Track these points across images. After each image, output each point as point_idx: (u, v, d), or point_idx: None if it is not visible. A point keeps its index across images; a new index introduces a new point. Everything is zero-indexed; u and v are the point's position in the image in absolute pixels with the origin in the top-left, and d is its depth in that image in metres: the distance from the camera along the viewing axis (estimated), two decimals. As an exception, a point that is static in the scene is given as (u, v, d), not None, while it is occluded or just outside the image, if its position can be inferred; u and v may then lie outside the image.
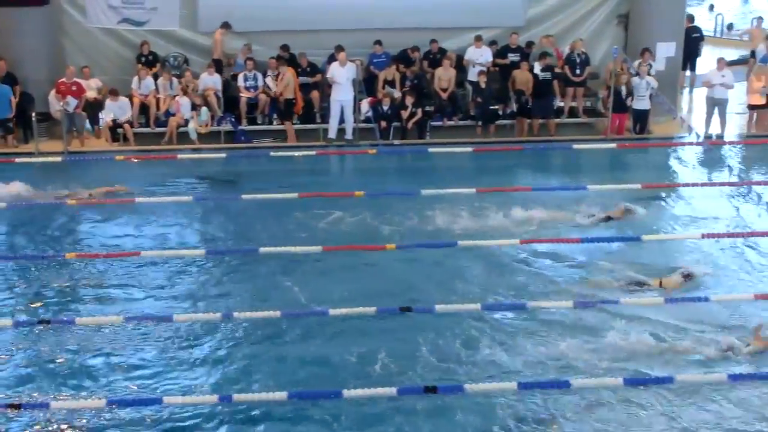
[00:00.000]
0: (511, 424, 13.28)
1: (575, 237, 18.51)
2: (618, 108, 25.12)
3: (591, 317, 15.93)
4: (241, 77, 25.29)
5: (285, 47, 25.77)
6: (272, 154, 22.86)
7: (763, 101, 25.65)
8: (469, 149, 23.24)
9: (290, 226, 19.27)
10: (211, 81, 25.26)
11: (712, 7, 44.12)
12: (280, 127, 25.30)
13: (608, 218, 19.92)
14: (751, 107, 25.96)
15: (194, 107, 24.80)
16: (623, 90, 24.94)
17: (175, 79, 25.34)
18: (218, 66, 25.65)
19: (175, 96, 24.97)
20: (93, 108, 25.37)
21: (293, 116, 25.09)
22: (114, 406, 13.00)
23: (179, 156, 21.67)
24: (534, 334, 15.53)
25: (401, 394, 13.20)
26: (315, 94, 25.50)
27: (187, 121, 24.70)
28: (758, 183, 20.18)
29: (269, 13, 25.70)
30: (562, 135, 25.36)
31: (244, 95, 25.23)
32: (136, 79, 25.22)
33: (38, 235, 19.52)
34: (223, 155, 22.56)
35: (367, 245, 18.02)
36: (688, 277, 17.18)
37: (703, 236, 18.75)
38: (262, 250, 17.52)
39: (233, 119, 25.11)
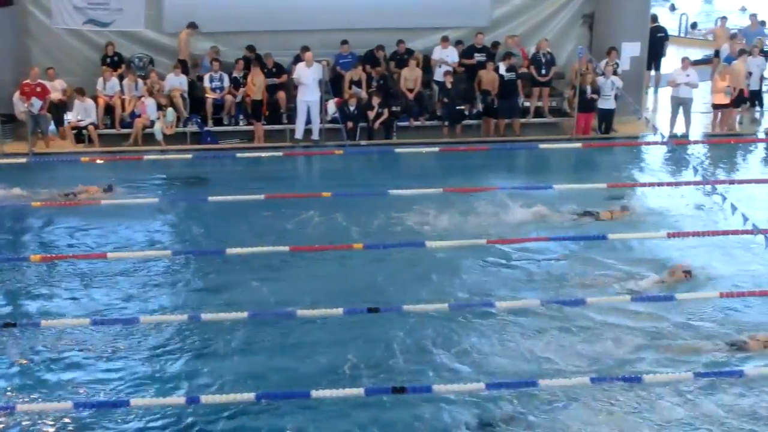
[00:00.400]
0: (479, 423, 13.32)
1: (544, 236, 18.62)
2: (583, 108, 25.22)
3: (560, 316, 16.00)
4: (207, 78, 25.22)
5: (251, 48, 25.71)
6: (239, 155, 22.78)
7: (727, 101, 25.80)
8: (435, 149, 23.28)
9: (257, 227, 19.23)
10: (177, 82, 25.18)
11: (673, 7, 44.35)
12: (247, 127, 25.24)
13: (597, 216, 20.13)
14: (716, 107, 26.11)
15: (160, 108, 24.71)
16: (588, 90, 25.03)
17: (140, 80, 25.24)
18: (184, 67, 25.57)
19: (140, 97, 24.88)
20: (58, 109, 25.23)
21: (262, 117, 25.02)
22: (80, 409, 12.94)
23: (145, 157, 21.59)
24: (502, 334, 15.58)
25: (369, 394, 13.20)
26: (281, 95, 25.45)
27: (153, 123, 24.60)
28: (723, 182, 20.28)
29: (235, 14, 25.63)
30: (528, 135, 25.43)
31: (210, 96, 25.16)
32: (101, 80, 25.11)
33: (3, 237, 19.41)
34: (189, 156, 22.49)
35: (335, 245, 18.02)
36: (688, 273, 17.28)
37: (669, 235, 18.88)
38: (229, 251, 17.45)
39: (199, 120, 25.04)
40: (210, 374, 14.40)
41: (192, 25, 25.67)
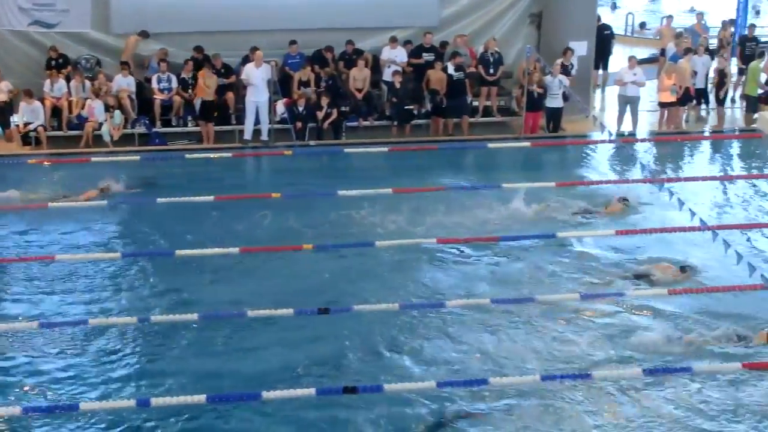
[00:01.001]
0: (430, 422, 13.35)
1: (494, 236, 18.71)
2: (531, 107, 25.34)
3: (511, 314, 16.08)
4: (154, 79, 25.08)
5: (199, 48, 25.61)
6: (187, 156, 22.70)
7: (673, 99, 26.02)
8: (384, 149, 23.30)
9: (207, 229, 19.15)
10: (125, 83, 25.01)
11: (614, 6, 44.59)
12: (195, 128, 25.13)
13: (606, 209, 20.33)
14: (662, 105, 26.31)
15: (108, 110, 24.54)
16: (534, 89, 25.13)
17: (87, 82, 25.05)
18: (127, 66, 25.37)
19: (87, 98, 24.68)
20: (3, 111, 24.99)
21: (213, 117, 24.91)
22: (30, 413, 12.83)
23: (93, 159, 21.44)
24: (453, 333, 15.63)
25: (320, 394, 13.18)
26: (230, 96, 25.37)
27: (101, 124, 24.43)
28: (671, 180, 20.46)
29: (183, 14, 25.51)
30: (477, 134, 25.50)
31: (158, 97, 25.03)
32: (48, 81, 24.89)
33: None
34: (137, 158, 22.37)
35: (285, 246, 17.99)
36: (685, 271, 17.51)
37: (616, 233, 19.01)
38: (179, 252, 17.37)
39: (147, 121, 24.90)
40: (160, 377, 14.34)
41: (143, 33, 25.52)
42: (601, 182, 22.13)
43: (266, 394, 12.86)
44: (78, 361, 14.66)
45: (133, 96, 25.11)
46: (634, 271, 17.71)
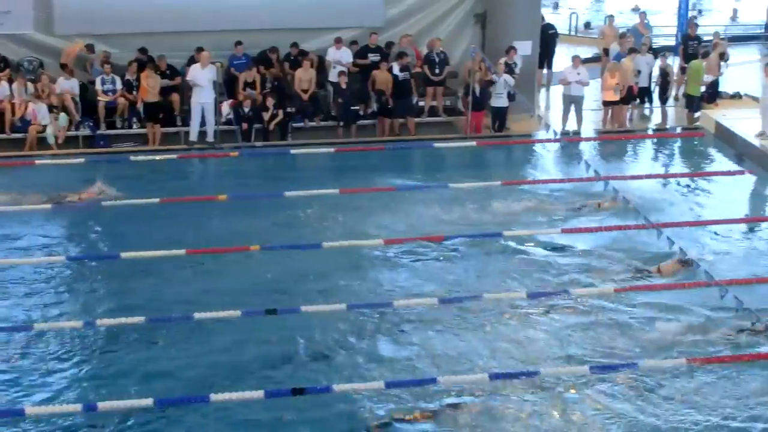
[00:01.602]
0: (379, 422, 13.38)
1: (439, 235, 18.80)
2: (475, 106, 25.40)
3: (459, 313, 16.15)
4: (98, 81, 24.88)
5: (143, 50, 25.46)
6: (132, 158, 22.56)
7: (617, 98, 26.19)
8: (331, 150, 23.31)
9: (153, 231, 19.03)
10: (68, 85, 24.78)
11: (556, 5, 44.84)
12: (141, 130, 24.97)
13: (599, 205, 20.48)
14: (606, 103, 26.47)
15: (51, 112, 24.32)
16: (476, 88, 25.19)
17: (30, 84, 24.81)
18: (65, 68, 25.15)
19: (30, 101, 24.42)
20: (-55, 114, 24.71)
21: (158, 119, 24.76)
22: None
23: (37, 162, 21.26)
24: (401, 333, 15.67)
25: (269, 397, 13.19)
26: (175, 97, 25.24)
27: (45, 127, 24.21)
28: (614, 178, 20.63)
29: (127, 16, 25.31)
30: (423, 134, 25.53)
31: (103, 99, 24.84)
32: (-11, 84, 24.64)
33: None
34: (82, 161, 22.22)
35: (231, 247, 17.95)
36: (684, 263, 17.53)
37: (562, 231, 19.18)
38: (124, 255, 17.32)
39: (91, 124, 24.70)
40: (107, 380, 14.26)
41: (89, 47, 25.32)
42: (546, 181, 22.27)
43: (214, 397, 12.89)
44: (23, 366, 14.55)
45: (77, 98, 24.90)
46: (635, 266, 17.83)
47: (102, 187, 20.84)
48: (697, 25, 30.63)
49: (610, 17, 32.03)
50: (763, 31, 37.90)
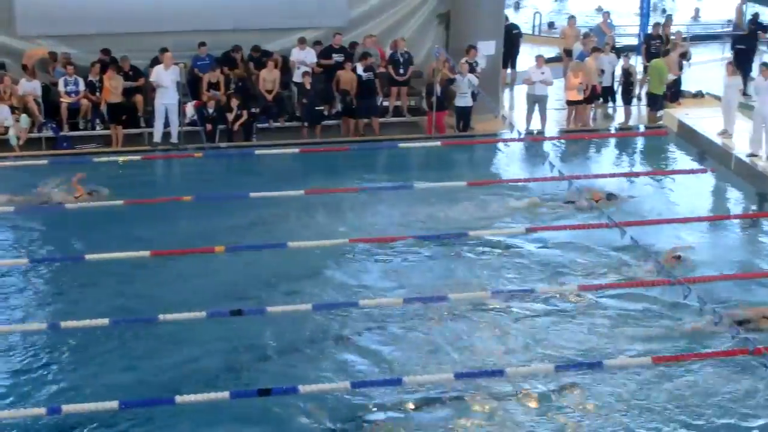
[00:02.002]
0: (345, 422, 13.40)
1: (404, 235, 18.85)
2: (437, 106, 25.40)
3: (424, 313, 16.19)
4: (61, 82, 24.73)
5: (106, 51, 25.34)
6: (96, 159, 22.47)
7: (580, 97, 26.29)
8: (295, 150, 23.29)
9: (117, 233, 18.95)
10: (30, 86, 24.62)
11: (517, 6, 44.94)
12: (104, 132, 24.85)
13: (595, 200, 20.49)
14: (570, 103, 26.58)
15: (13, 113, 24.17)
16: (437, 88, 25.20)
17: (-9, 85, 24.64)
18: (26, 69, 24.99)
19: (-9, 102, 24.28)
20: None
21: (122, 120, 24.64)
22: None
23: (-1, 164, 21.17)
24: (367, 333, 15.69)
25: (235, 398, 13.18)
26: (138, 98, 25.14)
27: (7, 129, 24.04)
28: (578, 177, 20.73)
29: (90, 16, 25.17)
30: (388, 134, 25.54)
31: (65, 100, 24.70)
32: (-48, 86, 24.45)
33: None
34: (45, 162, 22.10)
35: (196, 248, 17.91)
36: (678, 258, 17.80)
37: (527, 230, 19.23)
38: (88, 257, 17.24)
39: (54, 125, 24.56)
40: (72, 383, 14.22)
41: (52, 55, 25.16)
42: (511, 180, 22.34)
43: (180, 399, 12.84)
44: (-14, 369, 14.50)
45: (40, 100, 24.75)
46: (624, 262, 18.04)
47: (94, 187, 20.90)
48: (659, 25, 30.73)
49: (571, 18, 32.10)
50: (723, 29, 38.08)
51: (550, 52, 30.91)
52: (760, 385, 14.24)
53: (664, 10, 43.35)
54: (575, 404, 13.93)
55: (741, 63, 28.45)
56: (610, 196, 20.63)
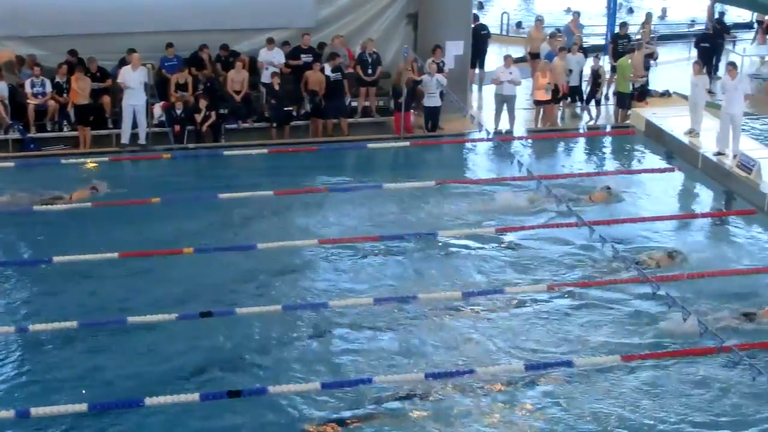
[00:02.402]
0: (315, 423, 13.40)
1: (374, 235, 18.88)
2: (401, 106, 25.37)
3: (395, 313, 16.21)
4: (28, 83, 24.58)
5: (73, 52, 25.20)
6: (63, 161, 22.38)
7: (548, 97, 26.36)
8: (264, 150, 23.28)
9: (86, 235, 18.89)
10: (-4, 88, 24.50)
11: (481, 5, 45.03)
12: (72, 133, 24.71)
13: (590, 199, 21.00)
14: (538, 103, 26.65)
15: (-21, 115, 24.03)
16: (404, 89, 25.19)
17: (-43, 88, 24.47)
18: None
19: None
20: None
21: (89, 122, 24.50)
22: None
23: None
24: (336, 333, 15.69)
25: (205, 399, 13.18)
26: (106, 99, 25.01)
27: (-27, 131, 23.92)
28: (547, 177, 20.83)
29: (56, 17, 25.01)
30: (357, 134, 25.53)
31: (32, 102, 24.56)
32: None
33: None
34: (12, 164, 21.99)
35: (165, 250, 17.87)
36: (671, 256, 18.11)
37: (497, 231, 19.30)
38: (57, 259, 17.20)
39: (21, 127, 24.41)
40: (40, 386, 14.15)
41: (19, 60, 25.00)
42: (479, 181, 22.38)
43: (149, 401, 12.84)
44: (-45, 373, 14.41)
45: (6, 101, 24.59)
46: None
47: (94, 185, 21.05)
48: (626, 24, 30.90)
49: (538, 20, 32.19)
50: (689, 29, 38.31)
51: (519, 52, 30.92)
52: (723, 377, 14.41)
53: (630, 9, 43.53)
54: (546, 402, 13.98)
55: (705, 61, 28.77)
56: (609, 193, 21.18)
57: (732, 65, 23.26)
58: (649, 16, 32.99)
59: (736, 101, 22.64)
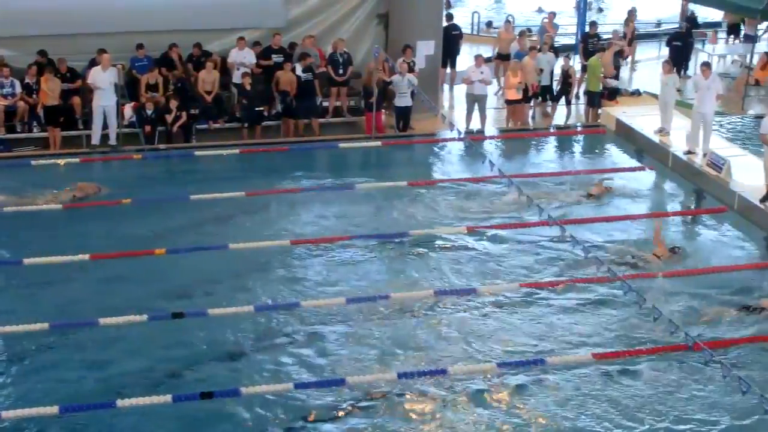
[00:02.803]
0: (288, 423, 13.39)
1: (346, 235, 18.88)
2: (371, 106, 25.36)
3: (367, 313, 16.22)
4: (-4, 84, 24.48)
5: (42, 52, 25.07)
6: (33, 163, 22.27)
7: (519, 96, 26.42)
8: (235, 151, 23.24)
9: (57, 237, 18.80)
10: (-35, 89, 24.36)
11: (448, 5, 45.13)
12: (41, 134, 24.59)
13: (589, 195, 21.31)
14: (509, 102, 26.70)
15: (-52, 116, 23.88)
16: (374, 90, 25.18)
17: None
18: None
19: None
20: None
21: (59, 122, 24.38)
22: None
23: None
24: (309, 334, 15.68)
25: (177, 401, 13.15)
26: (76, 100, 24.90)
27: (-58, 132, 23.77)
28: (519, 176, 20.91)
29: (25, 18, 24.84)
30: (328, 134, 25.51)
31: (1, 103, 24.42)
32: None
33: None
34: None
35: (136, 251, 17.81)
36: (673, 251, 18.41)
37: (468, 230, 19.33)
38: (27, 261, 17.11)
39: (-10, 128, 24.30)
40: (11, 389, 14.07)
41: None
42: (452, 180, 22.41)
43: (120, 403, 12.80)
44: (-76, 376, 14.32)
45: (-25, 102, 24.47)
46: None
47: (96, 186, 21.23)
48: (596, 24, 31.07)
49: (507, 22, 32.28)
50: (657, 28, 38.48)
51: (490, 51, 30.98)
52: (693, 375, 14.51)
53: (601, 9, 43.71)
54: (518, 401, 14.01)
55: (677, 60, 29.01)
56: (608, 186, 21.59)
57: (706, 65, 23.39)
58: (631, 12, 33.20)
59: (708, 101, 22.77)
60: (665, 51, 31.60)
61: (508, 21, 32.27)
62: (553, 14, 32.71)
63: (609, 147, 25.29)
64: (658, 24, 39.14)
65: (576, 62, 29.05)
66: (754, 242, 19.58)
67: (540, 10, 41.02)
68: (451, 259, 18.40)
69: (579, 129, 26.95)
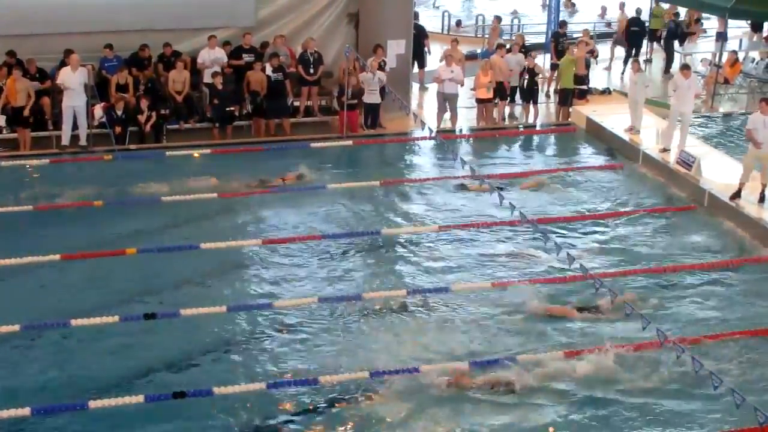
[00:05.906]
0: (260, 423, 13.40)
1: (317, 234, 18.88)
2: (349, 106, 25.37)
3: (337, 314, 16.23)
4: (-34, 85, 24.32)
5: (11, 53, 24.94)
6: (2, 164, 22.15)
7: (490, 95, 26.49)
8: (207, 151, 23.19)
9: (27, 239, 18.71)
10: (-67, 90, 24.18)
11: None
12: (11, 135, 24.45)
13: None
14: (479, 101, 26.76)
15: None
16: (348, 91, 25.18)
17: None
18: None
19: None
20: None
21: (28, 123, 24.24)
22: None
23: None
24: (281, 333, 15.70)
25: (150, 401, 13.13)
26: (46, 101, 24.78)
27: None
28: (493, 177, 20.97)
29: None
30: (299, 134, 25.49)
31: (-30, 104, 24.30)
32: None
33: None
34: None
35: (107, 251, 17.75)
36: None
37: (439, 228, 19.38)
38: (-2, 262, 17.05)
39: (-40, 129, 24.15)
40: (-18, 391, 14.01)
41: None
42: (423, 180, 22.45)
43: (93, 404, 12.76)
44: None
45: (-56, 103, 24.31)
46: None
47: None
48: (566, 23, 31.23)
49: (496, 18, 32.46)
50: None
51: (462, 50, 31.01)
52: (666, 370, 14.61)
53: (572, 3, 43.84)
54: (491, 400, 14.06)
55: (634, 45, 31.30)
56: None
57: (686, 67, 23.55)
58: (622, 5, 33.55)
59: (687, 100, 22.94)
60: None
61: (498, 17, 32.51)
62: (498, 18, 32.96)
63: (579, 145, 25.38)
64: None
65: (546, 61, 29.12)
66: (722, 239, 19.70)
67: (514, 12, 41.06)
68: (424, 258, 18.44)
69: (550, 128, 27.01)
